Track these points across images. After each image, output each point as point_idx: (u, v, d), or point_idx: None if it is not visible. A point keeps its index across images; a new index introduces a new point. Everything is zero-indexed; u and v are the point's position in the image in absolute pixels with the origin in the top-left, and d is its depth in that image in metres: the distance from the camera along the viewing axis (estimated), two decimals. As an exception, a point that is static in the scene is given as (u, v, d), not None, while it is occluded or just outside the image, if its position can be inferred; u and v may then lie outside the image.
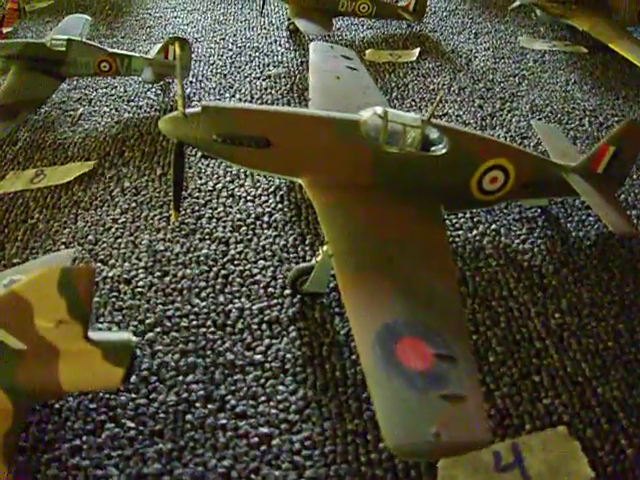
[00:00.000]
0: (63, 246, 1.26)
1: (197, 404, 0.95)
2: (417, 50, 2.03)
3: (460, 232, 1.28)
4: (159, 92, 1.80)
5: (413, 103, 1.73)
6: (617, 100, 1.82)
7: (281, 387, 0.97)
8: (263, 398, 0.96)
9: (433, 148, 1.12)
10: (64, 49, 1.68)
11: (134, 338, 0.83)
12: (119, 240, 1.27)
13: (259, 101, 1.72)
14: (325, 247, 1.03)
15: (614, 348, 1.06)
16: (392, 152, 1.08)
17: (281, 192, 1.38)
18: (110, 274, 1.18)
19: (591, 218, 1.34)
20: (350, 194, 1.06)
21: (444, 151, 1.11)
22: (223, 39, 2.13)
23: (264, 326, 1.07)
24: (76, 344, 0.80)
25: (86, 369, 0.81)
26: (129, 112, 1.71)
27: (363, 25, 2.24)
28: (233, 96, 1.76)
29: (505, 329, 1.09)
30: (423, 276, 0.93)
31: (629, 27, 2.20)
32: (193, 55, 2.00)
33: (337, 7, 2.09)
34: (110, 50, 1.73)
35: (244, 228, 1.28)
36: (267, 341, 1.04)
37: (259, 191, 1.38)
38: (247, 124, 1.05)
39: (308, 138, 1.07)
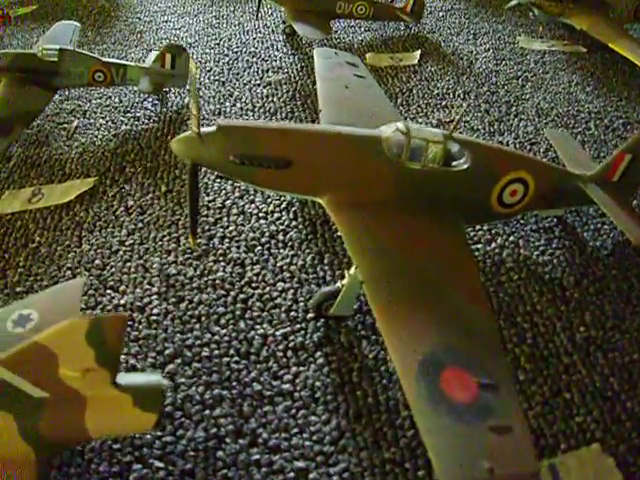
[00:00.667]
0: (69, 272, 1.22)
1: (227, 439, 0.92)
2: (418, 53, 2.01)
3: (479, 245, 1.27)
4: (156, 102, 1.75)
5: (419, 109, 1.71)
6: (620, 101, 1.83)
7: (313, 417, 0.95)
8: (296, 430, 0.94)
9: (454, 163, 1.10)
10: (56, 59, 1.62)
11: (165, 382, 0.80)
12: (128, 264, 1.23)
13: (261, 110, 1.69)
14: (352, 271, 1.01)
15: (639, 360, 1.07)
16: (414, 168, 1.06)
17: (294, 208, 1.35)
18: (122, 302, 1.14)
19: (606, 226, 1.34)
20: (373, 214, 1.04)
21: (466, 166, 1.09)
22: (218, 44, 2.08)
23: (290, 353, 1.05)
24: (104, 391, 0.77)
25: (116, 416, 0.78)
26: (126, 124, 1.66)
27: (361, 27, 2.21)
28: (234, 105, 1.72)
29: (532, 345, 1.08)
30: (457, 299, 0.92)
31: (625, 25, 2.22)
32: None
33: (334, 9, 2.05)
34: (104, 59, 1.68)
35: (259, 248, 1.25)
36: (294, 369, 1.02)
37: (271, 207, 1.35)
38: (266, 144, 1.02)
39: (330, 157, 1.04)
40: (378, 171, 1.05)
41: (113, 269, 1.22)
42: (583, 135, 1.65)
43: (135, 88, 1.75)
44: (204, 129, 1.02)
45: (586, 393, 1.01)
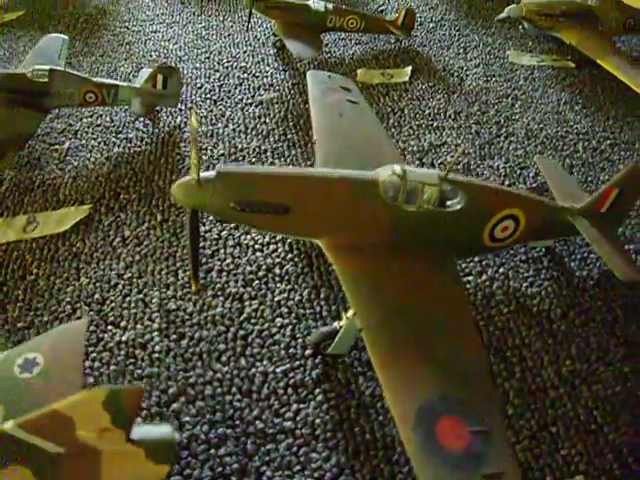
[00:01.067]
0: (69, 306, 1.26)
1: (233, 478, 0.99)
2: (409, 69, 2.06)
3: (470, 278, 1.34)
4: (148, 122, 1.78)
5: (411, 131, 1.77)
6: (607, 121, 1.90)
7: (314, 454, 1.02)
8: (298, 467, 1.01)
9: (449, 203, 1.17)
10: (46, 80, 1.64)
11: (177, 435, 0.85)
12: (128, 299, 1.27)
13: (253, 132, 1.73)
14: (349, 314, 1.07)
15: (621, 392, 1.15)
16: (410, 210, 1.12)
17: (289, 240, 1.40)
18: (124, 338, 1.19)
19: (593, 255, 1.42)
20: (370, 257, 1.10)
21: (459, 207, 1.16)
22: (208, 58, 2.10)
23: (290, 390, 1.11)
24: (119, 446, 0.82)
25: (129, 469, 0.83)
26: (119, 146, 1.69)
27: (351, 40, 2.25)
28: (226, 126, 1.75)
29: (521, 380, 1.16)
30: (452, 345, 0.99)
31: (614, 36, 2.29)
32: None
33: (325, 23, 2.08)
34: (95, 80, 1.70)
35: (256, 282, 1.30)
36: (295, 406, 1.09)
37: (266, 239, 1.40)
38: (265, 191, 1.08)
39: (328, 202, 1.10)
40: (375, 215, 1.11)
41: (113, 304, 1.27)
42: (571, 158, 1.73)
43: (126, 107, 1.77)
44: (203, 174, 1.06)
45: (570, 427, 1.10)
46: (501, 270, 1.37)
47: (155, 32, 2.25)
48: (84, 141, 1.72)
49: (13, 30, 2.29)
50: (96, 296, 1.28)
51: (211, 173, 1.06)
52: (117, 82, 1.72)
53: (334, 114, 1.46)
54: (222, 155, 1.63)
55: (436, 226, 1.16)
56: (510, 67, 2.15)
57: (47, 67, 1.66)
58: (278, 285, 1.30)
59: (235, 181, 1.07)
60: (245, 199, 1.05)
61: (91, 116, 1.81)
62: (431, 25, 2.38)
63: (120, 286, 1.30)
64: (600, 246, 1.28)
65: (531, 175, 1.64)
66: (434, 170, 1.18)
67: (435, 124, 1.80)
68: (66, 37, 1.94)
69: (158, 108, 1.79)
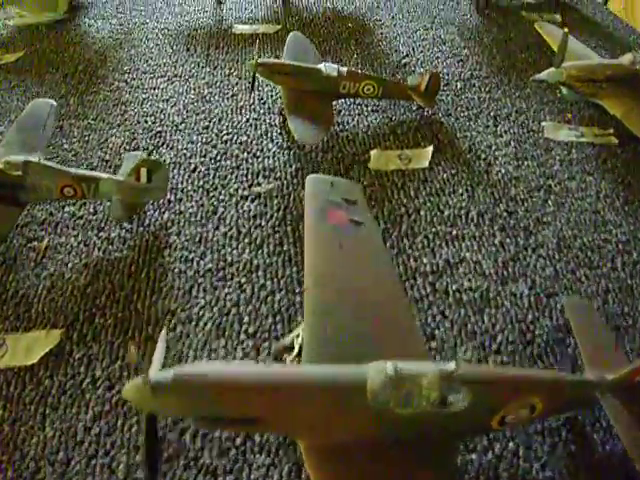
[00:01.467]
0: (33, 463, 1.21)
1: None
2: (430, 149, 1.90)
3: (474, 456, 1.23)
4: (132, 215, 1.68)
5: (425, 242, 1.62)
6: (653, 223, 1.73)
7: None
8: None
9: (451, 399, 1.05)
10: (20, 173, 1.56)
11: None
12: (93, 461, 1.21)
13: (246, 240, 1.61)
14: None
15: None
16: (403, 413, 1.01)
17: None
18: (84, 518, 1.13)
19: (620, 424, 1.29)
20: (351, 465, 1.01)
21: (464, 406, 1.04)
22: (207, 127, 1.98)
23: None
24: None
25: None
26: (99, 248, 1.61)
27: (367, 106, 2.09)
28: (217, 228, 1.64)
29: None
30: None
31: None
32: (172, 153, 1.87)
33: (338, 89, 1.93)
34: (74, 172, 1.62)
35: (233, 452, 1.21)
36: None
37: (250, 389, 1.31)
38: (228, 406, 0.98)
39: (303, 412, 1.01)
40: (360, 421, 1.02)
41: (77, 467, 1.20)
42: (607, 279, 1.57)
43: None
44: (157, 377, 0.97)
45: None
46: (510, 445, 1.25)
47: (154, 88, 2.14)
48: (63, 238, 1.64)
49: (9, 76, 2.25)
50: (60, 454, 1.22)
51: (166, 377, 0.97)
52: (97, 174, 1.64)
53: (333, 245, 1.34)
54: (209, 270, 1.53)
55: (435, 425, 1.06)
56: (545, 145, 1.97)
57: (21, 159, 1.59)
58: (257, 456, 1.21)
59: (192, 392, 0.97)
60: (206, 413, 0.96)
61: (74, 204, 1.73)
62: (459, 85, 2.20)
63: (86, 444, 1.24)
64: (626, 435, 1.14)
65: (559, 305, 1.49)
66: (435, 365, 1.05)
67: (454, 232, 1.65)
68: (54, 103, 1.89)
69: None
